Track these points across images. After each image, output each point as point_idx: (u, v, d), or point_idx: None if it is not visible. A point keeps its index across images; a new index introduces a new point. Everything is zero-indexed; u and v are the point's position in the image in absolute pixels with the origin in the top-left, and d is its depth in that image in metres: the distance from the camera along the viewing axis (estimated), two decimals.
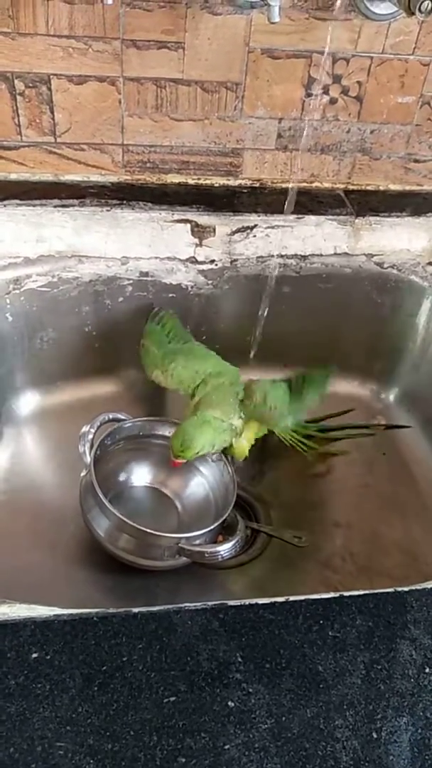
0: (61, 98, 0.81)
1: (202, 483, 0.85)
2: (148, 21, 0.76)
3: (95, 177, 0.88)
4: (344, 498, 0.89)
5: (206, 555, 0.70)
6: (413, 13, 0.71)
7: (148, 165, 0.88)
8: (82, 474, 0.76)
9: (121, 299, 0.89)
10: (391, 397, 1.00)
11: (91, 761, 0.43)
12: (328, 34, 0.78)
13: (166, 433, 0.83)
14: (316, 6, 0.78)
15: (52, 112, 0.82)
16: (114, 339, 0.91)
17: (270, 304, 0.89)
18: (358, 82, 0.85)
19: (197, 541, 0.72)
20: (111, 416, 0.80)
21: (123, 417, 0.81)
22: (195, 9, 0.76)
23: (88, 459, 0.75)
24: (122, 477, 0.84)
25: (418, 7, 0.70)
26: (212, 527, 0.74)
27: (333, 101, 0.86)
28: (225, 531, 0.78)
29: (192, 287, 0.90)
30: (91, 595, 0.75)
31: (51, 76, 0.79)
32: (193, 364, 0.79)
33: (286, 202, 0.78)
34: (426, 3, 0.70)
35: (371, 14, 0.78)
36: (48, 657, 0.47)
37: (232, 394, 0.77)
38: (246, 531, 0.80)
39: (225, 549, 0.72)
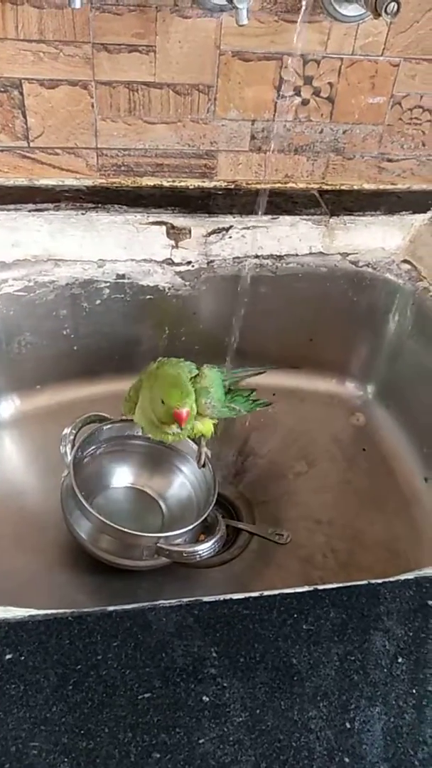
0: (33, 102, 0.81)
1: (185, 483, 0.85)
2: (118, 25, 0.77)
3: (70, 181, 0.89)
4: (325, 495, 0.90)
5: (184, 554, 0.71)
6: (380, 15, 0.72)
7: (122, 168, 0.89)
8: (63, 475, 0.76)
9: (98, 302, 0.89)
10: (369, 394, 1.01)
11: (66, 760, 0.43)
12: (296, 35, 0.79)
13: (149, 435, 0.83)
14: (285, 8, 0.79)
15: (24, 116, 0.82)
16: (92, 342, 0.92)
17: (247, 304, 0.90)
18: (330, 83, 0.86)
19: (176, 541, 0.73)
20: (93, 417, 0.80)
21: (106, 416, 0.81)
22: (165, 12, 0.77)
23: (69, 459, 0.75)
24: (104, 478, 0.84)
25: (384, 8, 0.71)
26: (191, 527, 0.74)
27: (305, 102, 0.87)
28: (207, 530, 0.79)
29: (169, 289, 0.90)
30: (73, 598, 0.75)
31: (22, 81, 0.79)
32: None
33: (258, 203, 0.79)
34: (392, 4, 0.71)
35: (339, 16, 0.79)
36: (22, 658, 0.47)
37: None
38: (226, 530, 0.81)
39: (203, 549, 0.72)
